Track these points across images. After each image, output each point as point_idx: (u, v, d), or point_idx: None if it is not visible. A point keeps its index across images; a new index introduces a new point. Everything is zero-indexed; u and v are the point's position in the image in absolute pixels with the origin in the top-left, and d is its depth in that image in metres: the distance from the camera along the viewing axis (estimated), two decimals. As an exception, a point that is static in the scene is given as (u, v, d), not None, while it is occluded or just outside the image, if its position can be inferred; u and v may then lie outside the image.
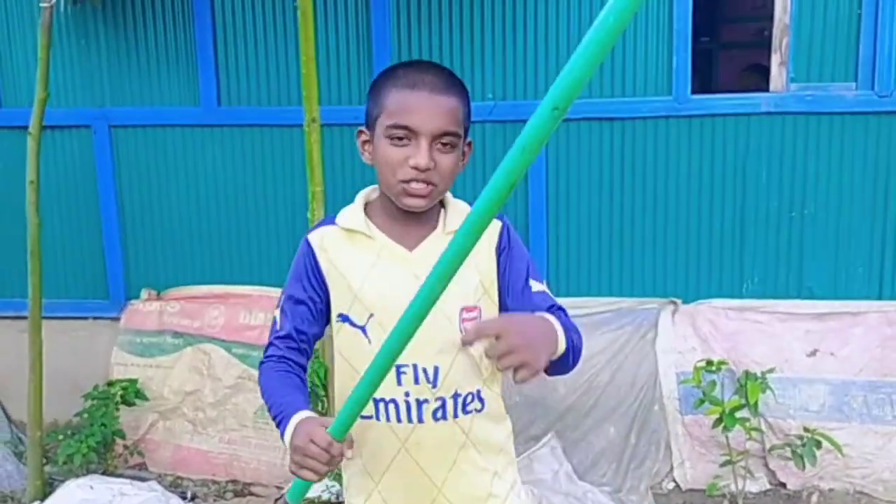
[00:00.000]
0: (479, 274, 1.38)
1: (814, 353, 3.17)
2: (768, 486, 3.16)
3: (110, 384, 3.39)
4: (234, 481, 3.37)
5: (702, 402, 2.99)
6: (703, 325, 3.25)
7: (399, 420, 1.36)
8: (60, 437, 3.26)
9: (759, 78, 3.65)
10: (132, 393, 3.34)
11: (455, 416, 1.37)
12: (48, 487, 3.11)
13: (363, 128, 1.41)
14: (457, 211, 1.40)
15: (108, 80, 3.60)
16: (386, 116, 1.33)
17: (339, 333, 1.40)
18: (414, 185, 1.32)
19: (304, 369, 1.42)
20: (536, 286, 1.40)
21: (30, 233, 2.99)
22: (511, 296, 1.40)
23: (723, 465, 3.03)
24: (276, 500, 3.13)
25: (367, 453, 1.41)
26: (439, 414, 1.36)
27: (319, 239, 1.41)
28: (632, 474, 3.17)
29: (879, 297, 3.26)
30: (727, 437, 2.97)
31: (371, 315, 1.35)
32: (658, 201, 3.35)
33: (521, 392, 3.17)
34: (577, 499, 2.92)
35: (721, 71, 5.75)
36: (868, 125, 3.19)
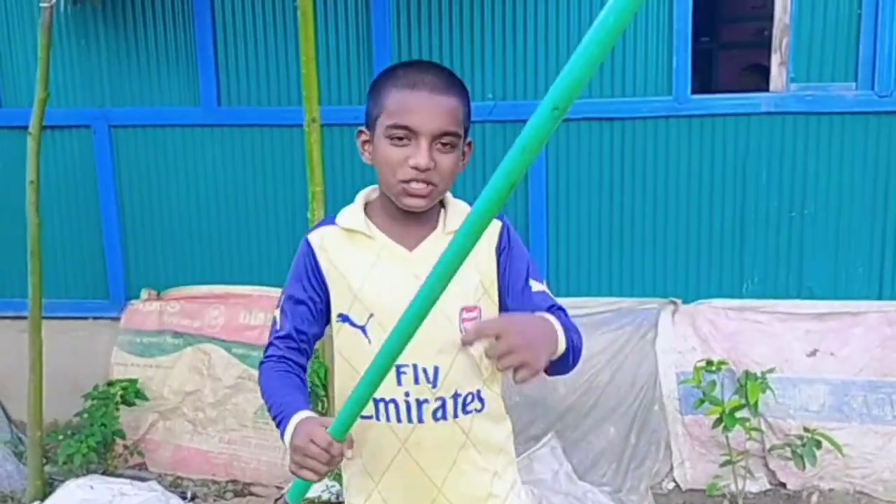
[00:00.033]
0: (479, 274, 1.38)
1: (814, 353, 3.17)
2: (768, 486, 3.17)
3: (110, 384, 3.39)
4: (234, 481, 3.37)
5: (702, 402, 2.99)
6: (703, 325, 3.25)
7: (399, 420, 1.36)
8: (60, 437, 3.26)
9: (759, 78, 3.65)
10: (132, 393, 3.34)
11: (455, 416, 1.37)
12: (48, 487, 3.11)
13: (363, 128, 1.41)
14: (457, 211, 1.40)
15: (107, 80, 3.60)
16: (386, 116, 1.32)
17: (339, 333, 1.40)
18: (414, 185, 1.32)
19: (304, 369, 1.42)
20: (536, 286, 1.40)
21: (30, 233, 2.99)
22: (511, 296, 1.40)
23: (723, 465, 3.03)
24: (276, 500, 3.13)
25: (367, 453, 1.41)
26: (439, 414, 1.36)
27: (319, 239, 1.41)
28: (632, 474, 3.17)
29: (879, 297, 3.27)
30: (727, 437, 2.97)
31: (371, 315, 1.35)
32: (658, 201, 3.35)
33: (521, 392, 3.17)
34: (577, 499, 2.93)
35: (721, 71, 5.75)
36: (868, 125, 3.20)
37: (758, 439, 3.09)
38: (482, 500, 1.43)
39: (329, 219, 1.44)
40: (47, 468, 3.23)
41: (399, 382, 1.34)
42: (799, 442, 2.98)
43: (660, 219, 3.36)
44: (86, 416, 3.27)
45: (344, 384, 1.39)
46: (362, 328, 1.36)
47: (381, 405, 1.35)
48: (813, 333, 3.20)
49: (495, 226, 1.39)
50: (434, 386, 1.35)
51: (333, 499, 2.85)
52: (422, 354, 1.32)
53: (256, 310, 3.47)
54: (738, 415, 2.93)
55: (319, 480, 1.25)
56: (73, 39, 3.57)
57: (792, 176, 3.27)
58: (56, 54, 3.42)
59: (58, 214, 3.68)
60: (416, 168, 1.30)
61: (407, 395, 1.35)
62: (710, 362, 3.02)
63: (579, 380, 3.20)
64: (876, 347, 3.14)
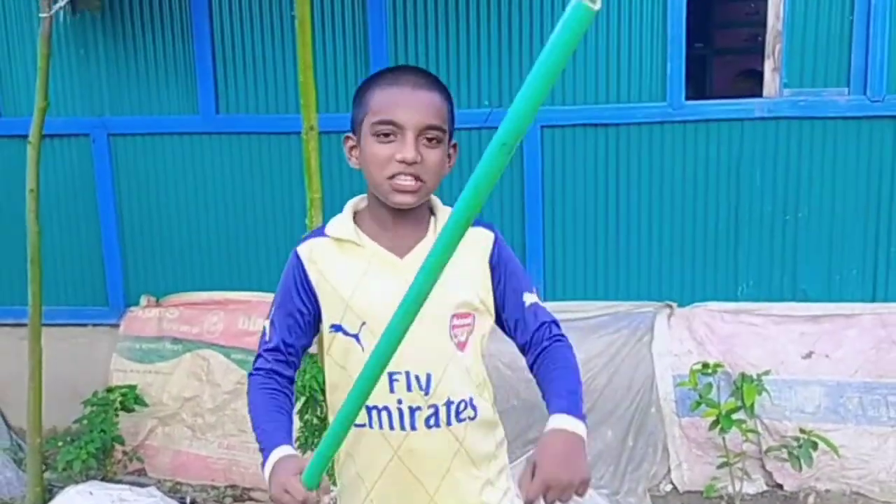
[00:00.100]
0: (472, 284, 1.38)
1: (809, 355, 3.20)
2: (765, 488, 3.18)
3: (109, 390, 3.40)
4: (233, 486, 3.38)
5: (698, 404, 3.02)
6: (699, 328, 3.27)
7: (392, 427, 1.36)
8: (60, 443, 3.27)
9: (752, 83, 3.68)
10: (131, 399, 3.35)
11: (448, 423, 1.37)
12: (48, 494, 3.12)
13: (349, 133, 1.42)
14: (447, 217, 1.41)
15: (106, 88, 3.62)
16: (371, 115, 1.34)
17: (333, 344, 1.40)
18: (402, 179, 1.32)
19: (292, 380, 1.44)
20: (529, 299, 1.42)
21: (30, 241, 3.01)
22: (506, 310, 1.42)
23: (720, 466, 3.05)
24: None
25: (360, 461, 1.41)
26: (432, 421, 1.36)
27: (308, 251, 1.41)
28: (629, 477, 3.19)
29: (873, 300, 3.29)
30: (724, 439, 2.99)
31: (363, 323, 1.36)
32: (653, 206, 3.38)
33: (518, 396, 3.19)
34: (574, 502, 2.94)
35: (715, 76, 5.78)
36: (860, 130, 3.23)
37: (754, 441, 3.11)
38: None
39: (318, 230, 1.45)
40: (47, 475, 3.24)
41: (391, 390, 1.35)
42: (795, 443, 3.00)
43: (655, 223, 3.39)
44: (85, 422, 3.28)
45: (338, 391, 1.41)
46: (355, 336, 1.36)
47: (374, 413, 1.36)
48: (808, 335, 3.22)
49: (488, 238, 1.41)
50: (426, 393, 1.35)
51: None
52: (414, 362, 1.33)
53: (255, 316, 3.49)
54: (735, 417, 2.95)
55: None
56: (73, 49, 3.60)
57: (785, 180, 3.30)
58: (55, 64, 3.44)
59: (57, 222, 3.69)
60: (403, 161, 1.31)
61: (399, 402, 1.35)
62: (706, 365, 3.04)
63: (576, 383, 3.22)
64: (870, 349, 3.17)
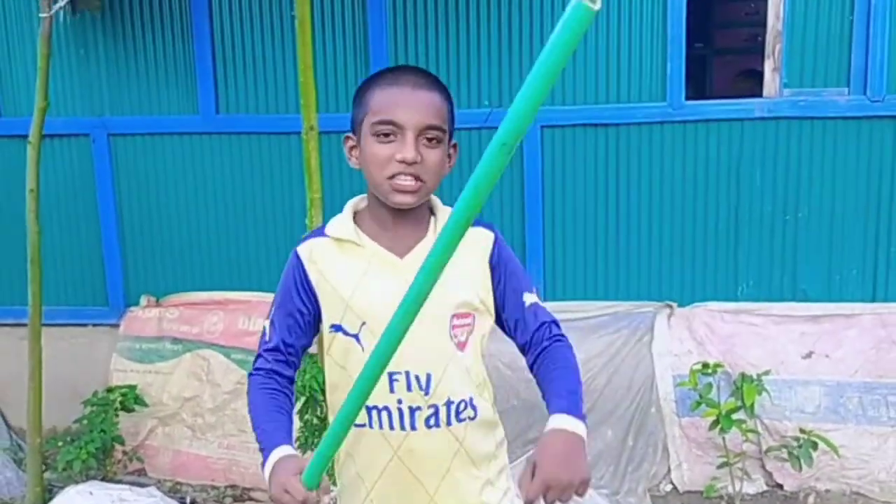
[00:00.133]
0: (471, 284, 1.38)
1: (809, 355, 3.20)
2: (765, 488, 3.18)
3: (109, 390, 3.40)
4: (233, 486, 3.39)
5: (698, 404, 3.02)
6: (699, 328, 3.27)
7: (392, 427, 1.36)
8: (60, 443, 3.28)
9: (752, 83, 3.68)
10: (131, 399, 3.35)
11: (448, 423, 1.37)
12: (48, 494, 3.12)
13: (349, 133, 1.42)
14: (447, 217, 1.40)
15: (106, 88, 3.62)
16: (371, 115, 1.34)
17: (333, 344, 1.40)
18: (402, 179, 1.32)
19: (292, 380, 1.44)
20: (529, 299, 1.42)
21: (30, 241, 3.01)
22: (506, 310, 1.42)
23: (720, 466, 3.05)
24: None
25: (360, 460, 1.41)
26: (432, 421, 1.36)
27: (308, 251, 1.41)
28: (629, 477, 3.19)
29: (873, 299, 3.29)
30: (724, 439, 2.99)
31: (363, 323, 1.36)
32: (653, 206, 3.38)
33: (519, 396, 3.19)
34: (575, 501, 2.94)
35: (715, 76, 5.78)
36: (860, 130, 3.23)
37: (754, 441, 3.11)
38: None
39: (318, 230, 1.45)
40: (47, 475, 3.24)
41: (391, 390, 1.34)
42: (795, 443, 3.00)
43: (655, 223, 3.39)
44: (85, 422, 3.28)
45: (338, 391, 1.41)
46: (355, 336, 1.36)
47: (374, 412, 1.36)
48: (808, 335, 3.22)
49: (488, 238, 1.41)
50: (426, 393, 1.35)
51: None
52: (414, 362, 1.33)
53: (255, 315, 3.49)
54: (735, 417, 2.95)
55: None
56: (73, 49, 3.60)
57: (785, 180, 3.30)
58: (55, 64, 3.44)
59: (57, 222, 3.69)
60: (403, 161, 1.31)
61: (399, 402, 1.35)
62: (706, 365, 3.04)
63: (576, 383, 3.22)
64: (870, 349, 3.17)
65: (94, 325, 3.74)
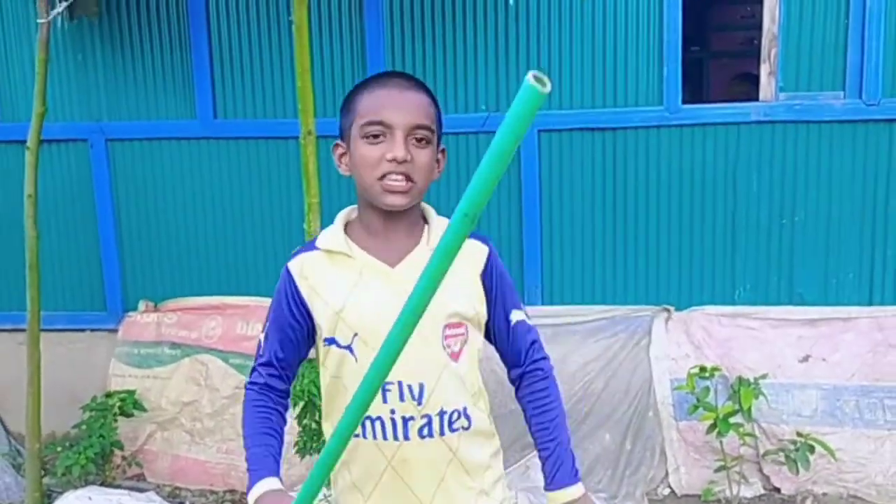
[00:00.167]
0: (464, 295, 1.39)
1: (806, 358, 3.20)
2: (763, 491, 3.19)
3: (108, 395, 3.41)
4: (231, 491, 3.39)
5: (696, 408, 3.02)
6: (697, 332, 3.28)
7: (385, 438, 1.36)
8: (59, 448, 3.27)
9: (748, 87, 3.69)
10: (130, 404, 3.35)
11: (441, 433, 1.37)
12: (47, 499, 3.12)
13: (338, 141, 1.43)
14: (441, 226, 1.40)
15: (104, 94, 3.63)
16: (360, 118, 1.35)
17: (328, 356, 1.40)
18: (392, 179, 1.32)
19: (287, 393, 1.45)
20: (516, 316, 1.44)
21: (28, 246, 3.01)
22: (495, 325, 1.44)
23: (717, 470, 3.05)
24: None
25: (355, 470, 1.41)
26: (425, 431, 1.36)
27: (299, 267, 1.41)
28: (627, 481, 3.20)
29: (870, 303, 3.30)
30: (721, 443, 2.99)
31: (355, 334, 1.35)
32: (650, 210, 3.39)
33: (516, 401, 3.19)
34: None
35: (711, 80, 5.80)
36: (856, 133, 3.24)
37: (752, 444, 3.12)
38: None
39: (310, 244, 1.45)
40: (46, 480, 3.24)
41: (384, 400, 1.34)
42: (792, 447, 3.01)
43: (652, 227, 3.40)
44: (84, 427, 3.28)
45: (332, 400, 1.41)
46: (348, 347, 1.36)
47: (368, 423, 1.36)
48: (805, 339, 3.23)
49: (482, 251, 1.41)
50: (419, 403, 1.35)
51: (331, 508, 2.86)
52: (406, 372, 1.33)
53: (253, 320, 3.49)
54: (732, 420, 2.96)
55: None
56: (70, 55, 3.60)
57: (782, 184, 3.31)
58: (53, 69, 3.44)
59: (55, 228, 3.70)
60: (393, 160, 1.31)
61: (392, 412, 1.35)
62: (703, 368, 3.05)
63: (574, 387, 3.23)
64: (867, 352, 3.18)
65: (93, 330, 3.74)
